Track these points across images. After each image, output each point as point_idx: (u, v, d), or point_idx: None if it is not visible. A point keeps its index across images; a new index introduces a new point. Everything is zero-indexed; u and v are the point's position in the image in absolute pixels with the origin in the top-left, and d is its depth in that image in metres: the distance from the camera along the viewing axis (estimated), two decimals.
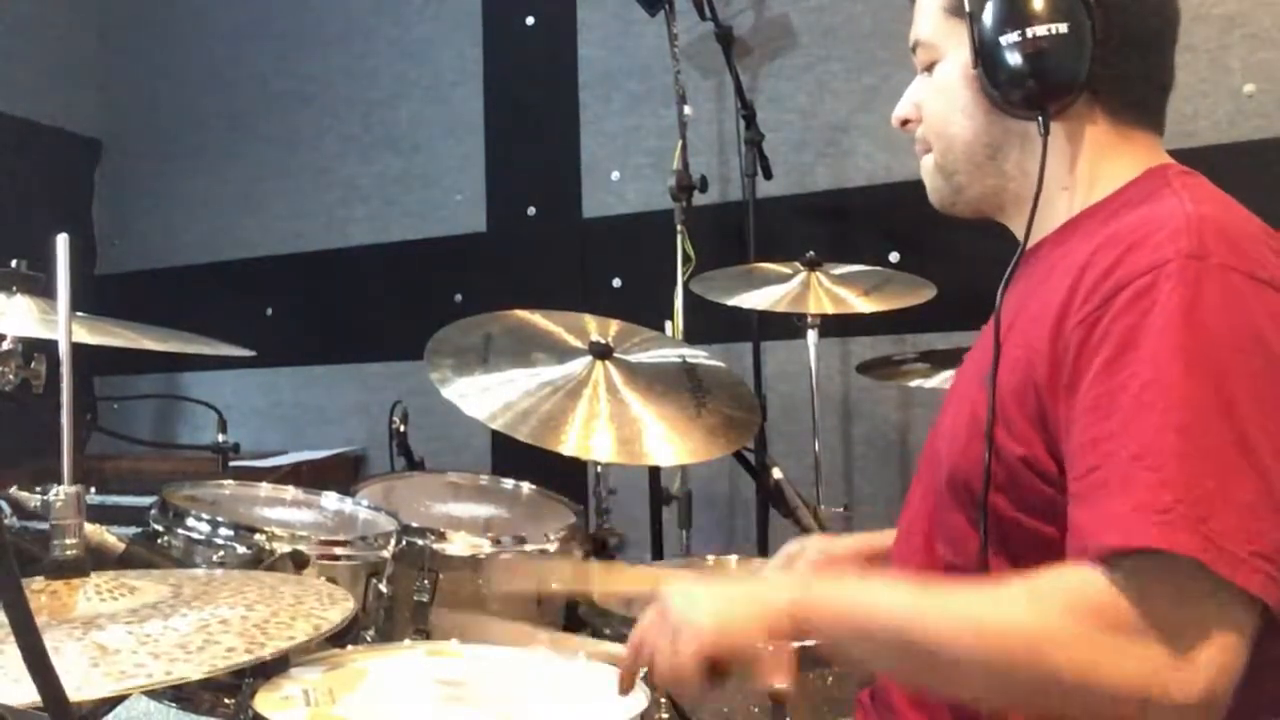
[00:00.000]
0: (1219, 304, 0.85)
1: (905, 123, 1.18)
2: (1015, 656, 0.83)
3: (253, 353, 1.92)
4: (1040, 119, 1.03)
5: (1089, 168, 1.06)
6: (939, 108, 1.13)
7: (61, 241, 0.95)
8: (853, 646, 0.95)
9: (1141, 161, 1.06)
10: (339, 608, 0.93)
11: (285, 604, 0.94)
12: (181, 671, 0.75)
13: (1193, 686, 0.78)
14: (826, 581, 0.96)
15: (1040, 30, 1.01)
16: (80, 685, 0.72)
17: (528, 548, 1.90)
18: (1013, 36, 1.02)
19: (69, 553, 0.95)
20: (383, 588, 1.67)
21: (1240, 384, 0.83)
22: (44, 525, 0.97)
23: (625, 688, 1.09)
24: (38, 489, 1.01)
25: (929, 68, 1.14)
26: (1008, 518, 0.97)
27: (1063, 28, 1.00)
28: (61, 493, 0.94)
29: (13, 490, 1.12)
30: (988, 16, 1.04)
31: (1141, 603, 0.80)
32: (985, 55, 1.04)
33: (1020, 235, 1.08)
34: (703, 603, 0.96)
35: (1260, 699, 0.88)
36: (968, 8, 1.05)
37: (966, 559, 1.01)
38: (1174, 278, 0.86)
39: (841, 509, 2.59)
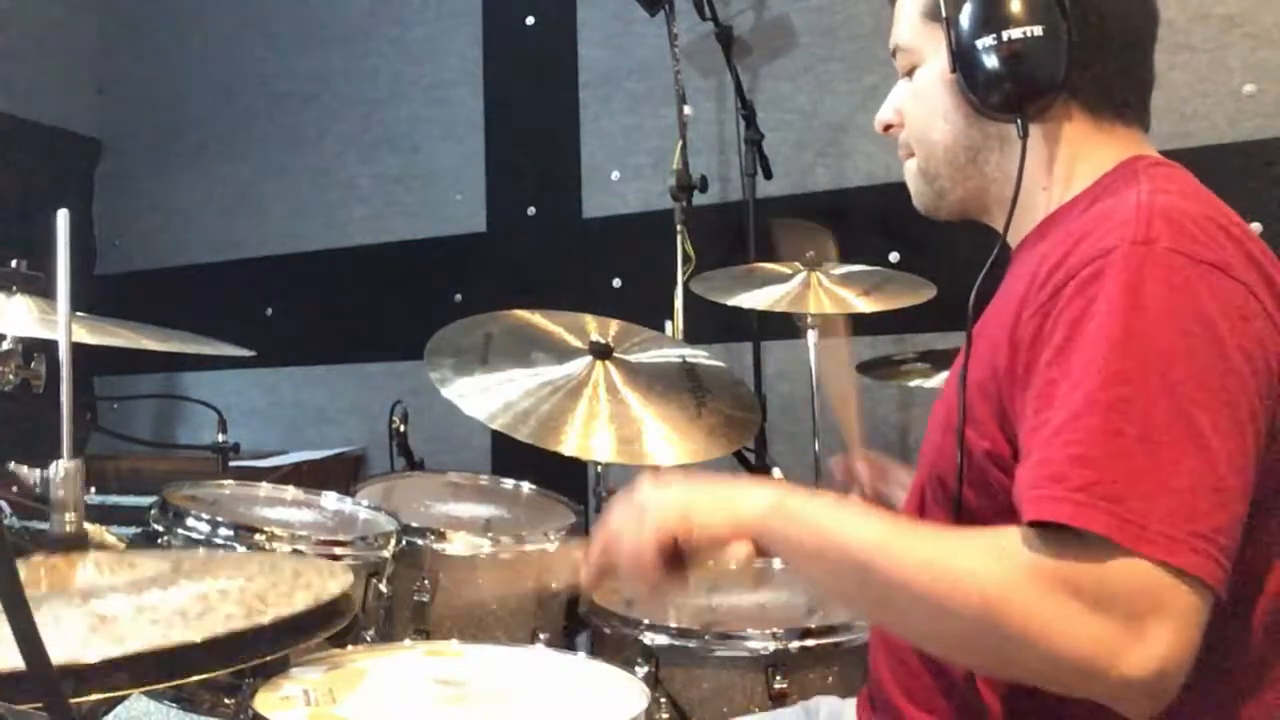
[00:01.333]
0: (1162, 287, 0.85)
1: (888, 127, 1.18)
2: (969, 607, 0.82)
3: (253, 353, 1.92)
4: (1019, 121, 1.04)
5: (1066, 166, 1.07)
6: (919, 112, 1.13)
7: (62, 217, 0.94)
8: (812, 565, 0.96)
9: (1117, 155, 1.06)
10: (338, 580, 0.93)
11: (284, 576, 0.94)
12: (180, 637, 0.75)
13: (1144, 663, 0.77)
14: (801, 496, 0.96)
15: (1015, 33, 1.01)
16: (80, 651, 0.72)
17: (528, 548, 1.90)
18: (988, 40, 1.02)
19: (69, 528, 0.95)
20: (383, 588, 1.67)
21: (1183, 365, 0.82)
22: (44, 525, 0.97)
23: (591, 580, 1.08)
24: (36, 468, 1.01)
25: (909, 72, 1.15)
26: (979, 512, 0.98)
27: (1038, 30, 1.00)
28: (61, 467, 0.94)
29: (11, 465, 1.12)
30: (964, 20, 1.04)
31: (1094, 576, 0.79)
32: (962, 59, 1.04)
33: (1002, 232, 1.08)
34: (674, 489, 0.98)
35: (1228, 684, 0.89)
36: (944, 12, 1.05)
37: None
38: (1118, 264, 0.86)
39: None
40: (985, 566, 0.83)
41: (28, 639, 0.56)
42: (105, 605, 0.82)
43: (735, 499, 0.97)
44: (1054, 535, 0.81)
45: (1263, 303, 0.88)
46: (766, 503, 0.96)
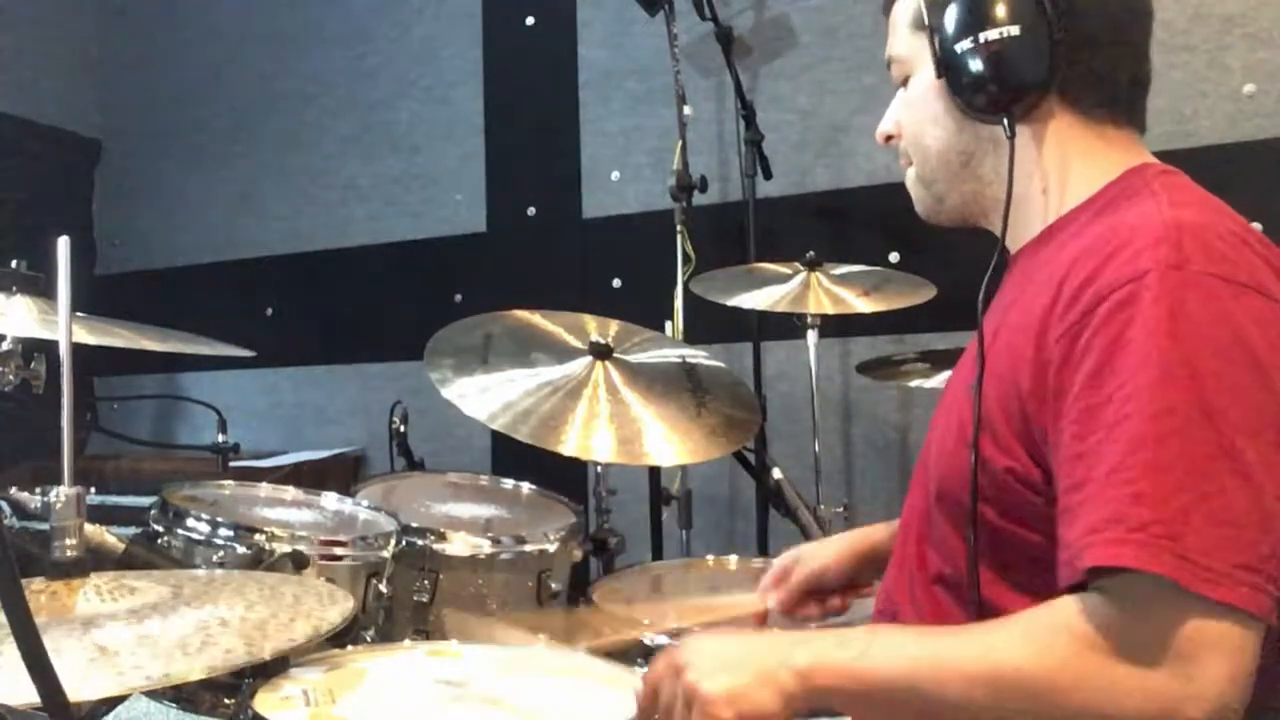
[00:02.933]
0: (1200, 313, 0.85)
1: (889, 138, 1.20)
2: (1030, 701, 0.83)
3: (253, 353, 1.92)
4: (1005, 122, 1.04)
5: (1065, 169, 1.06)
6: (914, 120, 1.15)
7: (62, 244, 0.95)
8: (868, 709, 0.95)
9: (1120, 161, 1.05)
10: (339, 608, 0.93)
11: (285, 604, 0.93)
12: (180, 671, 0.75)
13: (1203, 703, 0.78)
14: (834, 642, 0.95)
15: (993, 34, 1.02)
16: (79, 685, 0.72)
17: (528, 548, 1.90)
18: (966, 43, 1.03)
19: (69, 554, 0.95)
20: (383, 588, 1.67)
21: (1225, 393, 0.82)
22: (44, 525, 0.97)
23: None
24: (38, 490, 1.01)
25: (904, 82, 1.16)
26: (995, 527, 0.97)
27: (1014, 30, 1.01)
28: (61, 494, 0.94)
29: (13, 491, 1.12)
30: (945, 26, 1.06)
31: (1137, 625, 0.80)
32: (945, 64, 1.06)
33: (1001, 236, 1.09)
34: (716, 673, 0.96)
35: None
36: (927, 20, 1.07)
37: (956, 568, 1.02)
38: (1154, 289, 0.86)
39: (841, 509, 2.58)
40: (1030, 657, 0.84)
41: (25, 633, 0.56)
42: (105, 636, 0.82)
43: (773, 670, 0.94)
44: (1095, 590, 0.82)
45: None
46: (803, 663, 0.94)
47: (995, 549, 0.98)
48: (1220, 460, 0.81)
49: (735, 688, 0.94)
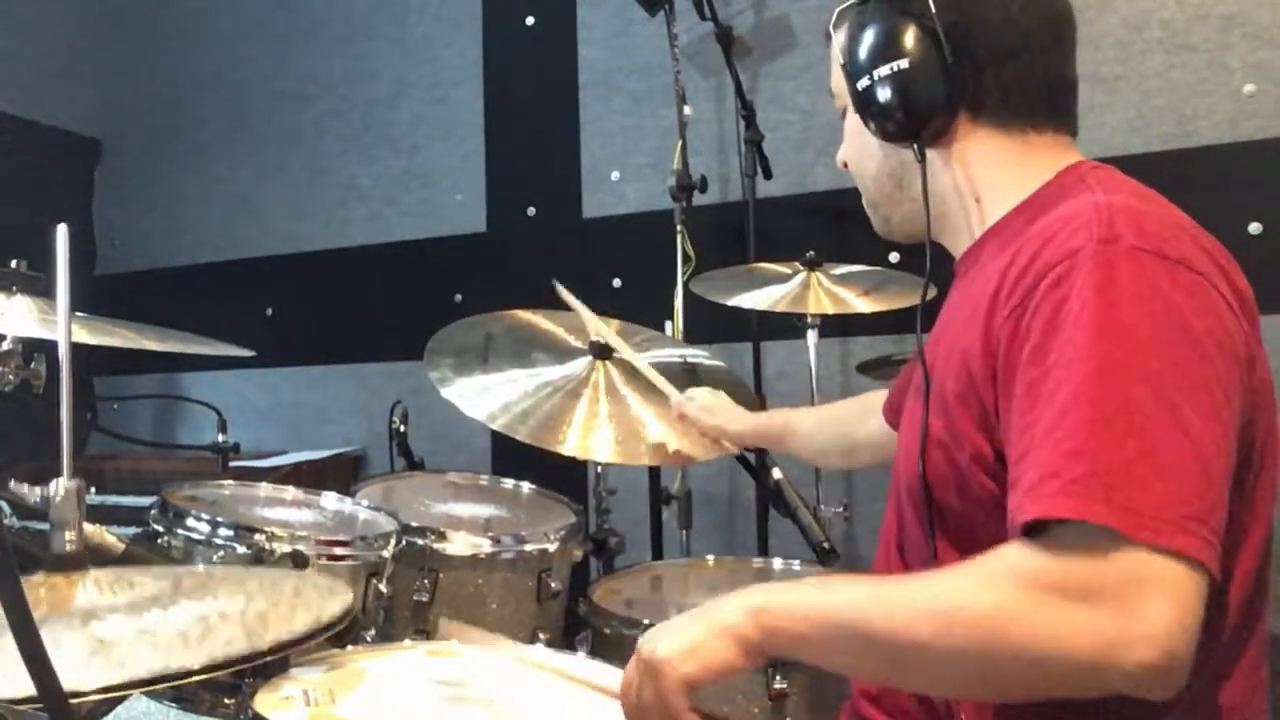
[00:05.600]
0: (1132, 283, 0.87)
1: (846, 165, 1.27)
2: (975, 639, 0.83)
3: (253, 353, 1.92)
4: (915, 146, 1.10)
5: (990, 180, 1.10)
6: (853, 150, 1.23)
7: (61, 232, 0.95)
8: (817, 650, 0.95)
9: (1048, 164, 1.09)
10: (339, 599, 0.93)
11: (285, 595, 0.93)
12: (181, 662, 0.74)
13: (1150, 646, 0.77)
14: (782, 589, 0.97)
15: (884, 70, 1.09)
16: (79, 677, 0.71)
17: (528, 548, 1.90)
18: (866, 80, 1.11)
19: (68, 547, 0.95)
20: (383, 588, 1.67)
21: (1160, 355, 0.84)
22: (43, 526, 0.97)
23: None
24: (36, 486, 1.01)
25: (843, 114, 1.23)
26: (965, 519, 0.99)
27: (904, 63, 1.08)
28: (61, 487, 0.94)
29: (11, 484, 1.12)
30: (852, 63, 1.13)
31: (1080, 569, 0.80)
32: (856, 99, 1.14)
33: (954, 250, 1.16)
34: (669, 639, 0.97)
35: (1207, 665, 0.89)
36: (841, 59, 1.15)
37: (928, 568, 1.03)
38: (1087, 263, 0.89)
39: (841, 509, 2.59)
40: (976, 596, 0.84)
41: (25, 631, 0.56)
42: (105, 628, 0.82)
43: (724, 620, 0.96)
44: (1039, 541, 0.82)
45: (1223, 295, 0.91)
46: (752, 608, 0.95)
47: (967, 542, 0.99)
48: (1159, 417, 0.82)
49: (692, 643, 0.96)
